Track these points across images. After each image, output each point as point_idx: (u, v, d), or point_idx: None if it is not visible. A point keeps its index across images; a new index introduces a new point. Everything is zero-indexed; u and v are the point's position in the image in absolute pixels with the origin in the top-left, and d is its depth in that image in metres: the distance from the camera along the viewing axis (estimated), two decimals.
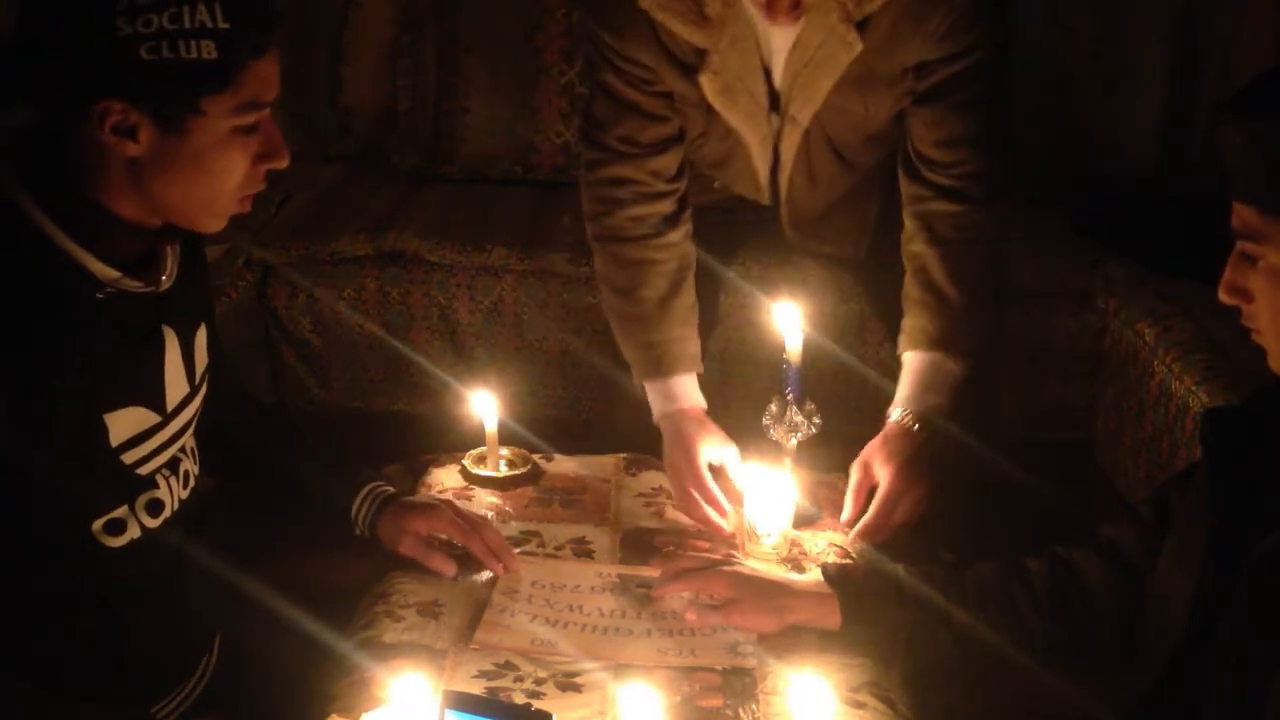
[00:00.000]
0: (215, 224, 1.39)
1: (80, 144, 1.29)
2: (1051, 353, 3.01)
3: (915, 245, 2.04)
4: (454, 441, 2.04)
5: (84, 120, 1.27)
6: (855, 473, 1.89)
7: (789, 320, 1.82)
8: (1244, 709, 1.21)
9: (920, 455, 1.91)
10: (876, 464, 1.89)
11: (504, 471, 1.89)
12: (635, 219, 2.08)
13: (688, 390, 2.04)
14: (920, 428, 1.94)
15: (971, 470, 2.32)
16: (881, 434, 1.93)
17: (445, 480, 1.89)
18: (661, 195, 2.08)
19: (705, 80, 1.99)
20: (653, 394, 2.05)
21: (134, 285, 1.36)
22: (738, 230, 2.45)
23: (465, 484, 1.88)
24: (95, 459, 1.36)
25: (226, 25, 1.26)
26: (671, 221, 2.09)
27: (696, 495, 1.85)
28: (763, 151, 2.12)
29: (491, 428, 1.90)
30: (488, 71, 3.32)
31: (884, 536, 1.83)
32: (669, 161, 2.09)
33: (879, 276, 2.28)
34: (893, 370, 2.06)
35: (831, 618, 1.52)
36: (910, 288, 2.04)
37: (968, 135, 2.00)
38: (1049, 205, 3.21)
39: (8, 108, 1.30)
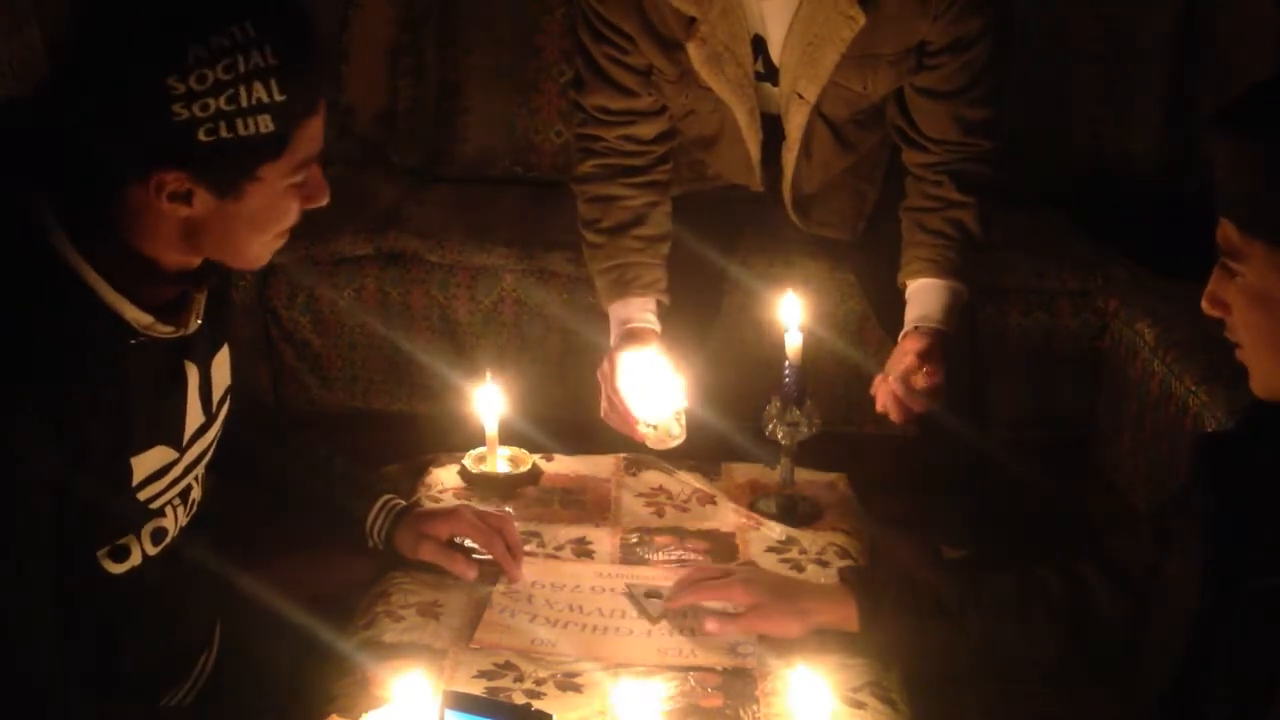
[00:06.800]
0: (259, 264, 1.39)
1: (128, 201, 1.27)
2: (1051, 353, 3.01)
3: (941, 191, 2.14)
4: (454, 441, 2.04)
5: (137, 184, 1.25)
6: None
7: (789, 319, 1.82)
8: None
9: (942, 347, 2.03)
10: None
11: (504, 471, 1.89)
12: (604, 166, 2.19)
13: (633, 311, 2.12)
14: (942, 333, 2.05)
15: (971, 470, 2.33)
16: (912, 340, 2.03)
17: (445, 480, 1.88)
18: (632, 154, 2.18)
19: (693, 48, 2.04)
20: (612, 320, 2.14)
21: (165, 331, 1.35)
22: (737, 227, 2.47)
23: (465, 484, 1.88)
24: (115, 497, 1.35)
25: (283, 98, 1.23)
26: (640, 171, 2.19)
27: (612, 405, 1.98)
28: (751, 125, 2.15)
29: (492, 429, 1.89)
30: (488, 71, 3.32)
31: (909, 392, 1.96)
32: (641, 130, 2.18)
33: (876, 271, 2.29)
34: None
35: (852, 620, 1.51)
36: (933, 224, 2.13)
37: (984, 121, 2.14)
38: (1049, 205, 3.22)
39: (52, 159, 1.26)
